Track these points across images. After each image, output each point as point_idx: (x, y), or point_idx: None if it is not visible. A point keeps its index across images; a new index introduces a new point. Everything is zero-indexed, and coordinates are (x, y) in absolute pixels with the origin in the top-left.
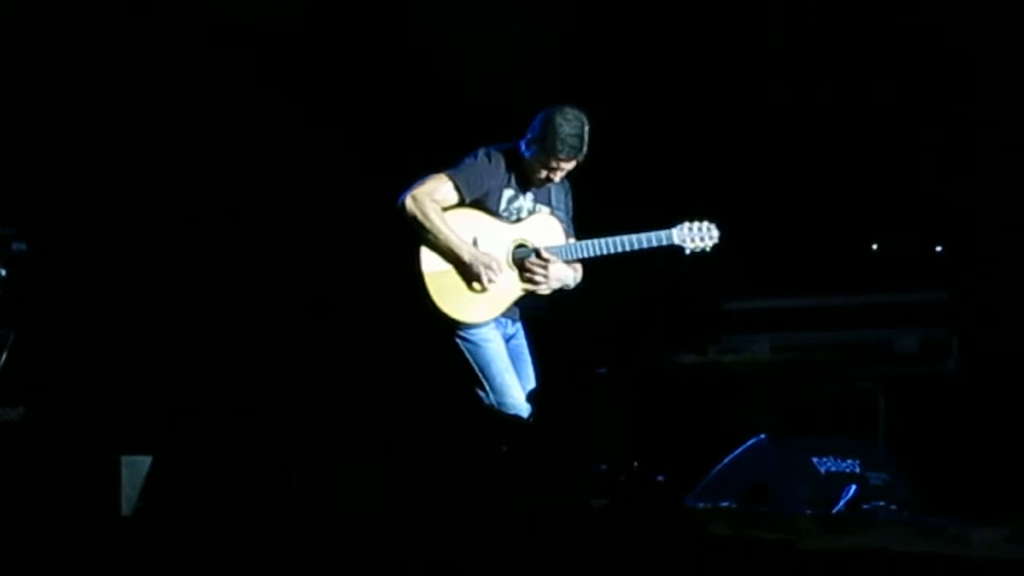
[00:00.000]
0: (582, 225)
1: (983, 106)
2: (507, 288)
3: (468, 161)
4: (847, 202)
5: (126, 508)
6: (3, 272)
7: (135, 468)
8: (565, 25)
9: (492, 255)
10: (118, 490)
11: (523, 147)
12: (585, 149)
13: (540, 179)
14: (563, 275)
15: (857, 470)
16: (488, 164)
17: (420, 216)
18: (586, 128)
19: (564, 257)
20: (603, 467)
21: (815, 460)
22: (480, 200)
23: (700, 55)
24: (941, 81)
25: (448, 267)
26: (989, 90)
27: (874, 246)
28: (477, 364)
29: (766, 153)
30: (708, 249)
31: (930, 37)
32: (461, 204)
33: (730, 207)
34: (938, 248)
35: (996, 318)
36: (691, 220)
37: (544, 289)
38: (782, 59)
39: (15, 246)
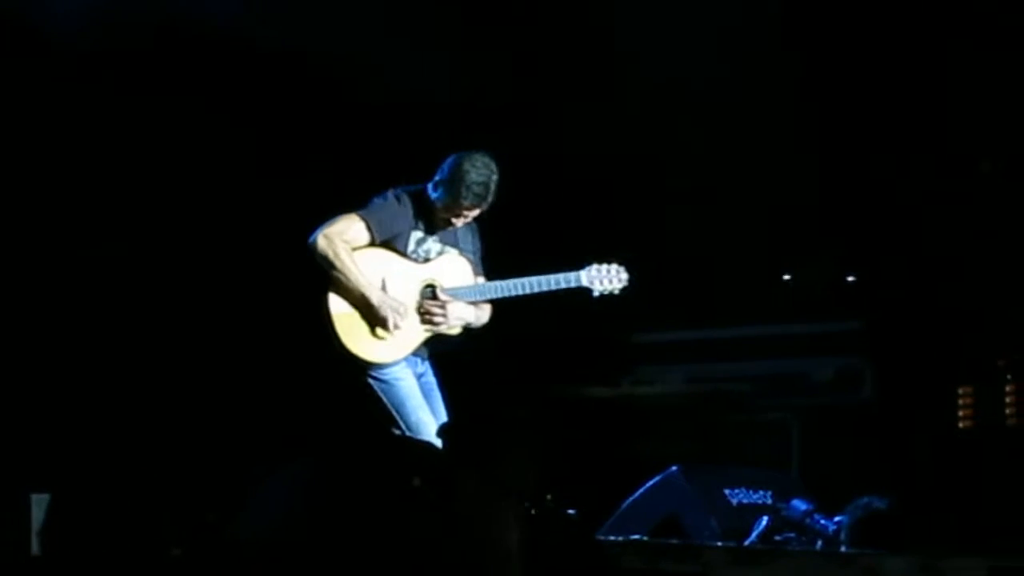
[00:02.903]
0: (493, 265)
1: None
2: (415, 329)
3: (378, 202)
4: (759, 233)
5: (36, 547)
6: None
7: (46, 507)
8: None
9: (400, 300)
10: (28, 529)
11: (430, 188)
12: (491, 198)
13: (444, 221)
14: (464, 314)
15: (769, 501)
16: (398, 205)
17: (331, 255)
18: (494, 177)
19: (472, 298)
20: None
21: (727, 491)
22: (389, 241)
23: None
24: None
25: (356, 309)
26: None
27: (786, 276)
28: (391, 403)
29: (680, 185)
30: (616, 292)
31: None
32: (371, 244)
33: (643, 237)
34: (850, 277)
35: (909, 347)
36: (599, 262)
37: (445, 329)
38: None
39: None
